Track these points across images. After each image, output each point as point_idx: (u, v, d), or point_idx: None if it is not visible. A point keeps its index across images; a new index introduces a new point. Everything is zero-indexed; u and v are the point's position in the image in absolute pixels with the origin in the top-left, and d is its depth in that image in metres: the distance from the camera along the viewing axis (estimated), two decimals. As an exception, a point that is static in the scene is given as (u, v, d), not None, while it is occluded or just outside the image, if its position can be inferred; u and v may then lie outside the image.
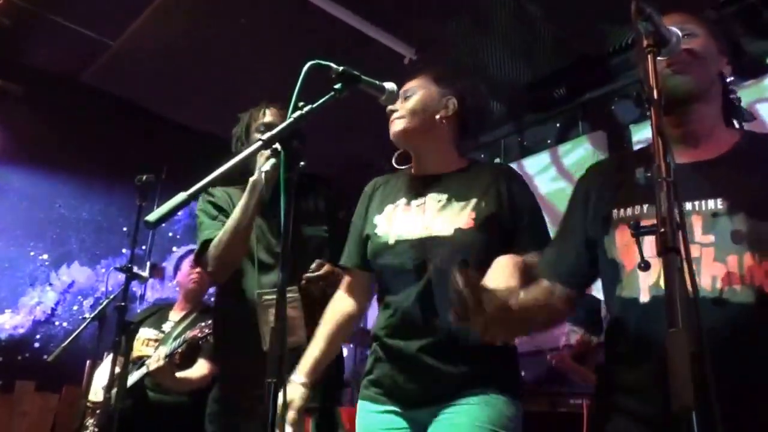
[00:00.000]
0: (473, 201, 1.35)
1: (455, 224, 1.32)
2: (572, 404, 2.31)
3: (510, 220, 1.35)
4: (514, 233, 1.35)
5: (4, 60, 3.76)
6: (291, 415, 1.34)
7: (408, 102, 1.42)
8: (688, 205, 1.02)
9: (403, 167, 1.50)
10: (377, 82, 1.20)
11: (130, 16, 3.49)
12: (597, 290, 3.31)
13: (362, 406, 1.38)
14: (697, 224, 0.99)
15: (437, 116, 1.43)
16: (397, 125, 1.42)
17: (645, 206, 1.04)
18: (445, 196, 1.38)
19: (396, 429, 1.32)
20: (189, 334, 2.17)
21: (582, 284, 1.18)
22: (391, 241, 1.36)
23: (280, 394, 0.95)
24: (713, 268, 0.95)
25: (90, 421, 2.30)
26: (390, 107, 1.42)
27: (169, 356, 2.14)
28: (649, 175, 0.76)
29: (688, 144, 1.08)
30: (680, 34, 0.95)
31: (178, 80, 4.01)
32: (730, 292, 0.93)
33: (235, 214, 1.68)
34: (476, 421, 1.23)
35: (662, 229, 0.73)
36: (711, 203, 1.00)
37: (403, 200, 1.42)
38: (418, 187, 1.43)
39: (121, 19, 3.53)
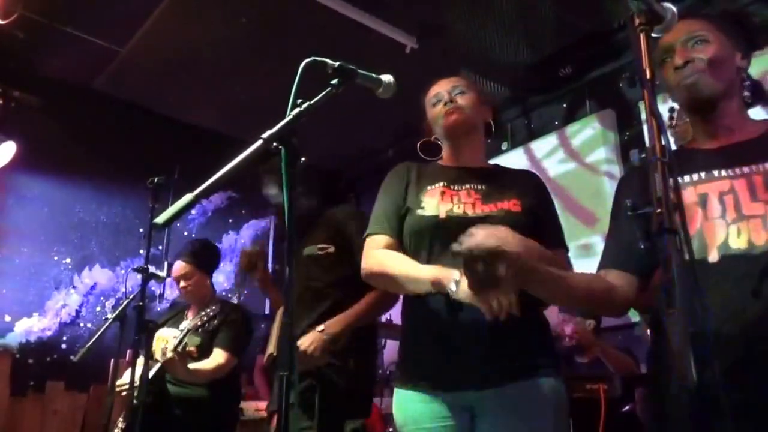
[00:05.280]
0: (515, 191, 1.41)
1: (502, 207, 1.38)
2: (588, 389, 2.27)
3: (542, 217, 1.43)
4: (543, 230, 1.39)
5: (19, 72, 3.85)
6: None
7: (464, 97, 1.50)
8: (746, 168, 1.06)
9: (429, 159, 1.56)
10: (374, 75, 1.20)
11: (136, 23, 3.55)
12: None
13: (403, 396, 1.36)
14: (759, 182, 1.04)
15: (482, 119, 1.54)
16: (460, 115, 1.48)
17: (702, 174, 1.09)
18: (484, 186, 1.43)
19: (441, 417, 1.30)
20: (190, 325, 2.24)
21: (643, 267, 1.14)
22: (443, 216, 1.37)
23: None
24: None
25: (120, 419, 2.38)
26: (447, 98, 1.49)
27: (176, 348, 2.20)
28: (643, 156, 0.77)
29: (718, 135, 1.14)
30: (675, 11, 0.94)
31: (185, 82, 4.06)
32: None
33: None
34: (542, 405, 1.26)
35: (658, 210, 0.73)
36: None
37: (442, 183, 1.45)
38: (456, 175, 1.47)
39: (129, 26, 3.59)
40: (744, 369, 0.93)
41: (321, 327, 1.80)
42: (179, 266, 2.58)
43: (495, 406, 1.26)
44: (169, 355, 2.19)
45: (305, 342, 1.77)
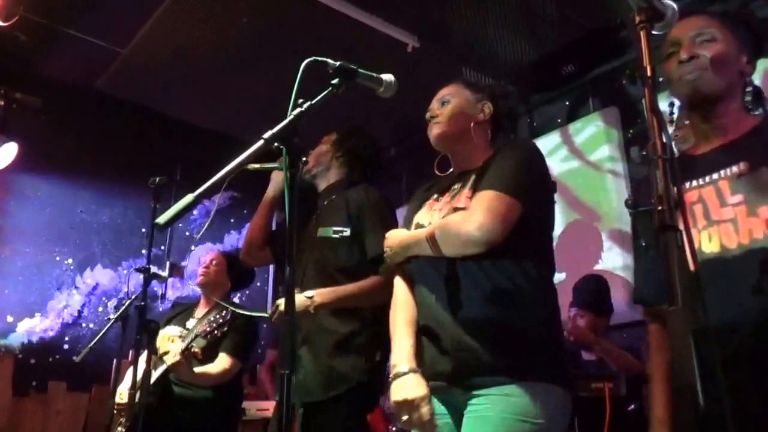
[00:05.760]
0: (475, 179, 1.37)
1: (456, 205, 1.35)
2: (594, 388, 2.26)
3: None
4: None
5: (21, 73, 3.86)
6: (426, 410, 1.25)
7: (446, 107, 1.47)
8: (715, 174, 1.10)
9: (445, 174, 1.52)
10: (374, 74, 1.20)
11: (137, 24, 3.55)
12: (609, 271, 3.24)
13: None
14: (725, 188, 1.07)
15: (474, 120, 1.46)
16: (436, 129, 1.46)
17: (687, 184, 1.12)
18: (460, 185, 1.42)
19: (438, 415, 1.30)
20: (199, 328, 2.24)
21: None
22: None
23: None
24: (748, 223, 1.02)
25: (122, 419, 2.38)
26: (429, 114, 1.49)
27: (184, 351, 2.21)
28: (644, 153, 0.77)
29: (716, 134, 1.15)
30: (676, 8, 0.94)
31: (187, 82, 4.06)
32: (766, 239, 1.00)
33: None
34: (504, 413, 1.18)
35: (660, 207, 0.73)
36: (735, 168, 1.08)
37: (435, 195, 1.49)
38: (448, 183, 1.48)
39: (129, 27, 3.59)
40: (732, 366, 0.94)
41: (311, 293, 1.72)
42: (213, 251, 2.71)
43: (472, 409, 1.23)
44: (177, 357, 2.20)
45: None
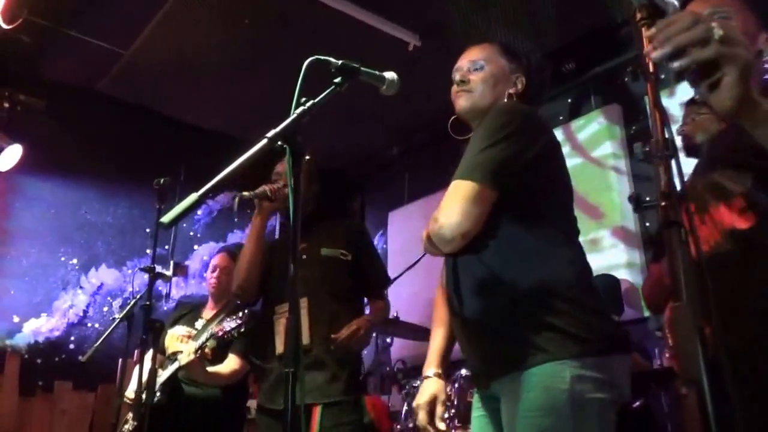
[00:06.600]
0: None
1: None
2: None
3: None
4: None
5: (25, 76, 3.88)
6: (439, 409, 1.31)
7: (478, 74, 1.33)
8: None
9: (462, 138, 1.36)
10: (377, 72, 1.19)
11: (139, 25, 3.56)
12: (613, 269, 3.24)
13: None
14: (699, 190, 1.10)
15: (504, 92, 1.32)
16: (465, 100, 1.33)
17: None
18: None
19: (479, 407, 1.28)
20: (214, 329, 2.26)
21: None
22: None
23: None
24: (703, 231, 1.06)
25: (130, 415, 2.40)
26: (459, 77, 1.34)
27: (198, 350, 2.23)
28: (647, 149, 0.77)
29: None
30: (677, 4, 0.94)
31: (190, 83, 4.08)
32: (717, 247, 1.03)
33: (244, 245, 2.09)
34: (519, 411, 1.09)
35: (663, 203, 0.73)
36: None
37: None
38: None
39: (132, 28, 3.60)
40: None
41: (370, 316, 2.09)
42: (222, 257, 2.71)
43: (504, 395, 1.18)
44: (192, 357, 2.23)
45: (362, 326, 1.98)
